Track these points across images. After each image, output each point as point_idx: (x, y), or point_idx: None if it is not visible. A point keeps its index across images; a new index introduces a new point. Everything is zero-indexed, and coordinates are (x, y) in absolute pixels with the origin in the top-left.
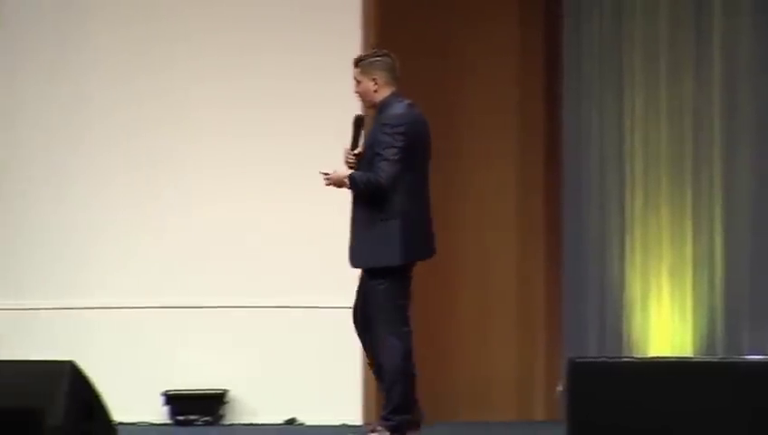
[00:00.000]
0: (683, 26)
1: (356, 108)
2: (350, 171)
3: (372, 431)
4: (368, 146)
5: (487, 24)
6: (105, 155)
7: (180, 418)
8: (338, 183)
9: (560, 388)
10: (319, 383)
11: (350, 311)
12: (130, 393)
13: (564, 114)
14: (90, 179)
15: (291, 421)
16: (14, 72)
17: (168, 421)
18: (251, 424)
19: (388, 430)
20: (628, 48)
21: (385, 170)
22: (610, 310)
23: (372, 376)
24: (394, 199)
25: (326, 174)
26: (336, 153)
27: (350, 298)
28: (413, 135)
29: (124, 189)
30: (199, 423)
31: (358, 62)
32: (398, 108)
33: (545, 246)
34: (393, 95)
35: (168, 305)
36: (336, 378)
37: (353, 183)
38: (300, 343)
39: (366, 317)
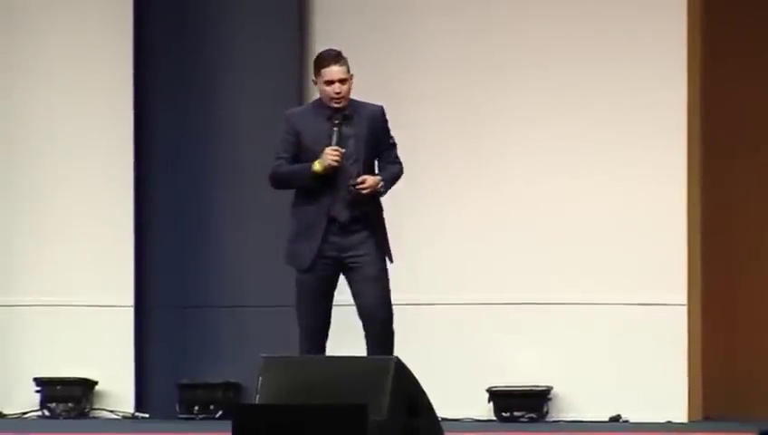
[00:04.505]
0: None
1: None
2: (379, 175)
3: None
4: (362, 141)
5: None
6: (444, 155)
7: (505, 414)
8: (373, 190)
9: None
10: (643, 380)
11: (675, 308)
12: (455, 390)
13: None
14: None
15: (615, 418)
16: None
17: (493, 418)
18: (575, 421)
19: None
20: None
21: (401, 160)
22: None
23: (696, 373)
24: None
25: (358, 185)
26: (660, 155)
27: (677, 295)
28: None
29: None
30: (524, 420)
31: (342, 59)
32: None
33: None
34: None
35: (492, 302)
36: (660, 375)
37: (388, 185)
38: (624, 339)
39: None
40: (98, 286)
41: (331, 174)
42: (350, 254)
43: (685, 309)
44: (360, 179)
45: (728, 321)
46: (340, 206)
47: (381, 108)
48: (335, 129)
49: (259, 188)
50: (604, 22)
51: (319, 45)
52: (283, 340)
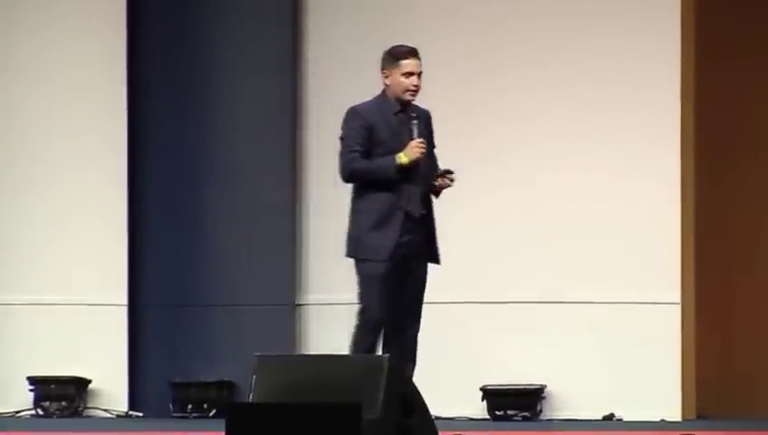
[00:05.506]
0: None
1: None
2: None
3: None
4: (426, 138)
5: None
6: (440, 155)
7: (498, 413)
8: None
9: None
10: (637, 379)
11: (669, 307)
12: (448, 388)
13: None
14: None
15: (609, 417)
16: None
17: (486, 416)
18: (569, 419)
19: None
20: None
21: None
22: None
23: (690, 372)
24: None
25: (451, 178)
26: (654, 155)
27: (671, 293)
28: None
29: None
30: (517, 418)
31: (419, 54)
32: None
33: None
34: None
35: (485, 300)
36: (654, 373)
37: None
38: (618, 337)
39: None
40: (92, 285)
41: (409, 168)
42: (415, 255)
43: (679, 308)
44: (443, 171)
45: (722, 320)
46: (415, 200)
47: (429, 112)
48: (415, 122)
49: (253, 187)
50: (598, 23)
51: (312, 46)
52: (277, 339)
